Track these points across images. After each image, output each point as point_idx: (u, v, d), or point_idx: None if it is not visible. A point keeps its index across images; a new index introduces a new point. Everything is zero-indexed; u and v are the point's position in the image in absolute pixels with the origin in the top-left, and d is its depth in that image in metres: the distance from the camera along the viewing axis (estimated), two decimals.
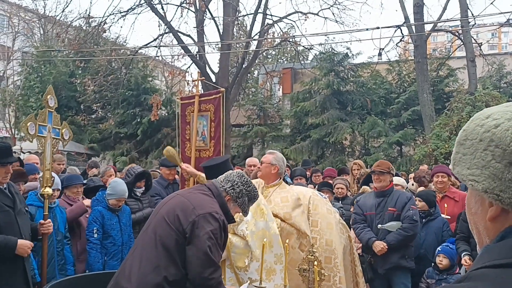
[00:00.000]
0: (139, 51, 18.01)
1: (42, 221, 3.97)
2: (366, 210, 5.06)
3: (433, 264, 4.85)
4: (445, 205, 5.58)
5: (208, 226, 2.60)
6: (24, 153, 13.74)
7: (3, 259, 3.51)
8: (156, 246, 2.61)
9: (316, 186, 7.01)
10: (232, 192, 2.86)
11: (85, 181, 5.70)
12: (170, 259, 2.58)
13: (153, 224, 2.75)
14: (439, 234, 5.21)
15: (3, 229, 3.52)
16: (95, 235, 4.64)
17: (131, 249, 2.88)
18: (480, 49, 16.68)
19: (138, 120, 18.23)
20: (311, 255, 2.98)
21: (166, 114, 18.98)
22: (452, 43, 20.41)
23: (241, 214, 3.01)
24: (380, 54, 15.58)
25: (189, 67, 18.48)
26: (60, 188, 4.61)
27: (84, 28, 18.32)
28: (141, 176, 5.52)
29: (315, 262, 2.93)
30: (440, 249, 4.79)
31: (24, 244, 3.57)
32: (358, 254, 5.05)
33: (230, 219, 2.83)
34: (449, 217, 5.45)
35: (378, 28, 13.16)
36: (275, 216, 3.98)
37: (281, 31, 17.92)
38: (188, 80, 17.54)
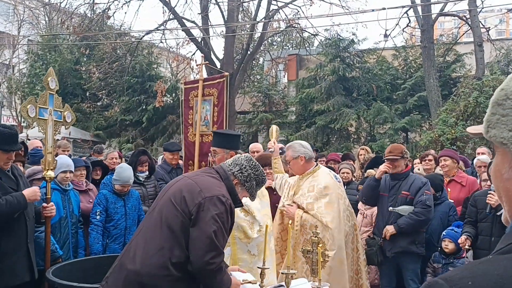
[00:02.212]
0: (144, 38, 17.95)
1: (44, 204, 3.97)
2: (380, 190, 4.99)
3: (439, 248, 4.81)
4: (448, 190, 5.54)
5: (214, 209, 2.55)
6: (30, 140, 13.77)
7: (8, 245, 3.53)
8: (161, 227, 2.58)
9: None
10: (240, 175, 2.82)
11: None
12: (175, 240, 2.54)
13: (159, 205, 2.71)
14: (444, 219, 5.16)
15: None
16: (98, 217, 4.68)
17: (136, 230, 2.85)
18: (488, 34, 16.47)
19: (144, 107, 18.24)
20: (315, 237, 2.96)
21: (171, 101, 18.97)
22: (459, 28, 20.16)
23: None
24: (386, 36, 15.36)
25: (193, 53, 18.39)
26: (72, 170, 4.63)
27: (88, 15, 18.26)
28: (140, 154, 5.52)
29: (320, 244, 2.91)
30: (445, 234, 4.75)
31: (31, 192, 3.62)
32: (369, 236, 5.01)
33: (237, 203, 2.80)
34: (452, 201, 5.41)
35: (384, 9, 12.98)
36: (298, 207, 3.92)
37: (286, 17, 17.78)
38: (193, 67, 17.49)
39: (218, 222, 2.55)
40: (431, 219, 4.90)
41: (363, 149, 7.93)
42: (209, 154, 3.80)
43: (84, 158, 7.49)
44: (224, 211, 2.59)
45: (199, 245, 2.53)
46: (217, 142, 3.73)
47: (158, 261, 2.50)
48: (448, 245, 4.65)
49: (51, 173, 4.04)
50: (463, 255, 4.64)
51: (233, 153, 3.59)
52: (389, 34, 15.96)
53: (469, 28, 15.50)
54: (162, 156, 7.35)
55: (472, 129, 0.98)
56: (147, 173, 5.56)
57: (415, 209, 4.70)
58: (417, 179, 4.93)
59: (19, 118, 23.80)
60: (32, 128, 19.07)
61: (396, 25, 16.79)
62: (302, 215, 3.89)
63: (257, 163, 2.96)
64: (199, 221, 2.53)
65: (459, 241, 4.39)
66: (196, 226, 2.54)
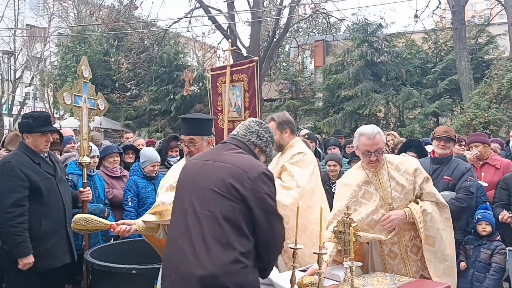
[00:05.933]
0: (171, 28, 18.08)
1: (81, 189, 4.10)
2: None
3: (472, 231, 4.73)
4: (482, 174, 5.42)
5: (266, 186, 2.45)
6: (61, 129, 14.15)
7: (47, 228, 3.65)
8: (218, 222, 2.38)
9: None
10: (260, 143, 2.70)
11: None
12: (239, 231, 2.39)
13: (198, 200, 2.46)
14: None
15: (45, 196, 3.66)
16: (129, 203, 4.76)
17: (175, 233, 2.53)
18: None
19: (171, 96, 18.45)
20: (346, 217, 2.96)
21: (198, 90, 19.11)
22: (491, 9, 19.56)
23: None
24: (417, 16, 14.95)
25: (219, 42, 18.46)
26: (98, 154, 4.72)
27: (116, 7, 18.52)
28: (171, 139, 5.61)
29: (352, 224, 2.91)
30: (480, 217, 4.64)
31: None
32: None
33: None
34: (487, 184, 5.29)
35: None
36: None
37: (312, 2, 17.61)
38: (219, 55, 17.55)
39: (274, 197, 2.49)
40: (472, 206, 4.68)
41: (389, 134, 7.83)
42: (181, 145, 3.36)
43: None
44: (272, 184, 2.51)
45: (274, 225, 2.46)
46: (193, 129, 3.28)
47: (229, 256, 2.34)
48: (485, 228, 4.56)
49: (86, 159, 4.16)
50: (497, 238, 4.57)
51: (210, 140, 3.32)
52: (419, 16, 15.52)
53: (503, 8, 15.02)
54: None
55: None
56: (178, 158, 5.64)
57: (458, 195, 4.45)
58: (461, 164, 4.67)
59: (52, 110, 24.42)
60: (64, 119, 19.57)
61: (426, 7, 16.28)
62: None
63: (267, 124, 2.87)
64: (258, 203, 2.41)
65: (502, 216, 4.28)
66: (259, 209, 2.41)
